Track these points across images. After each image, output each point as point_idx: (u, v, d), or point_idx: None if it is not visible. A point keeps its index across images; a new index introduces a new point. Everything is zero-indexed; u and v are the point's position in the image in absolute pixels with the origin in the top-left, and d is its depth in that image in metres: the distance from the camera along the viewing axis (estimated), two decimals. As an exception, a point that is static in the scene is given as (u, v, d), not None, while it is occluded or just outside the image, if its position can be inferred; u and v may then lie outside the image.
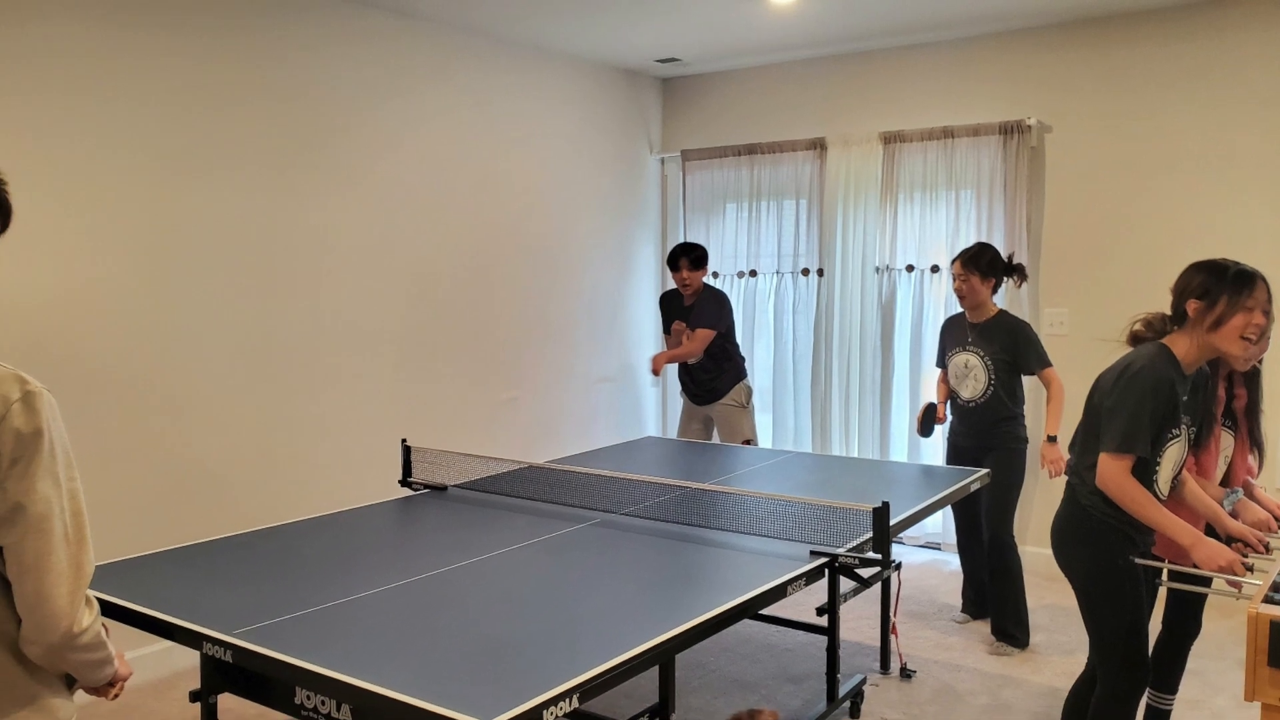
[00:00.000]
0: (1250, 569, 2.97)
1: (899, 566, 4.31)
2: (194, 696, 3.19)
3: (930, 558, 6.58)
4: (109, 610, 2.94)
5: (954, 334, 5.24)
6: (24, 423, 1.73)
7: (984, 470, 4.80)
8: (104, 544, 4.51)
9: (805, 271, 7.03)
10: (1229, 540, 3.27)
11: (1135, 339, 3.25)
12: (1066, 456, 4.92)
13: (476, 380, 6.27)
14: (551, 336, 6.79)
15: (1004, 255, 5.41)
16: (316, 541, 3.60)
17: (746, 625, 5.32)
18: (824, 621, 4.15)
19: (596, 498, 4.24)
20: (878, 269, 6.71)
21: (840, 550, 3.43)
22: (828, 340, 6.96)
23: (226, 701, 4.34)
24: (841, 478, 4.68)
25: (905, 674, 4.70)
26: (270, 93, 5.08)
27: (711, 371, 6.30)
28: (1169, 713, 3.89)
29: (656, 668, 3.06)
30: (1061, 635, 5.20)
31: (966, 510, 5.30)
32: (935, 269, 6.47)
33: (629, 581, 3.13)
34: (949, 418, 5.34)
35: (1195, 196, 5.69)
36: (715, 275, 7.41)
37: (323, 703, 2.56)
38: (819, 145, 6.89)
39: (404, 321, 5.80)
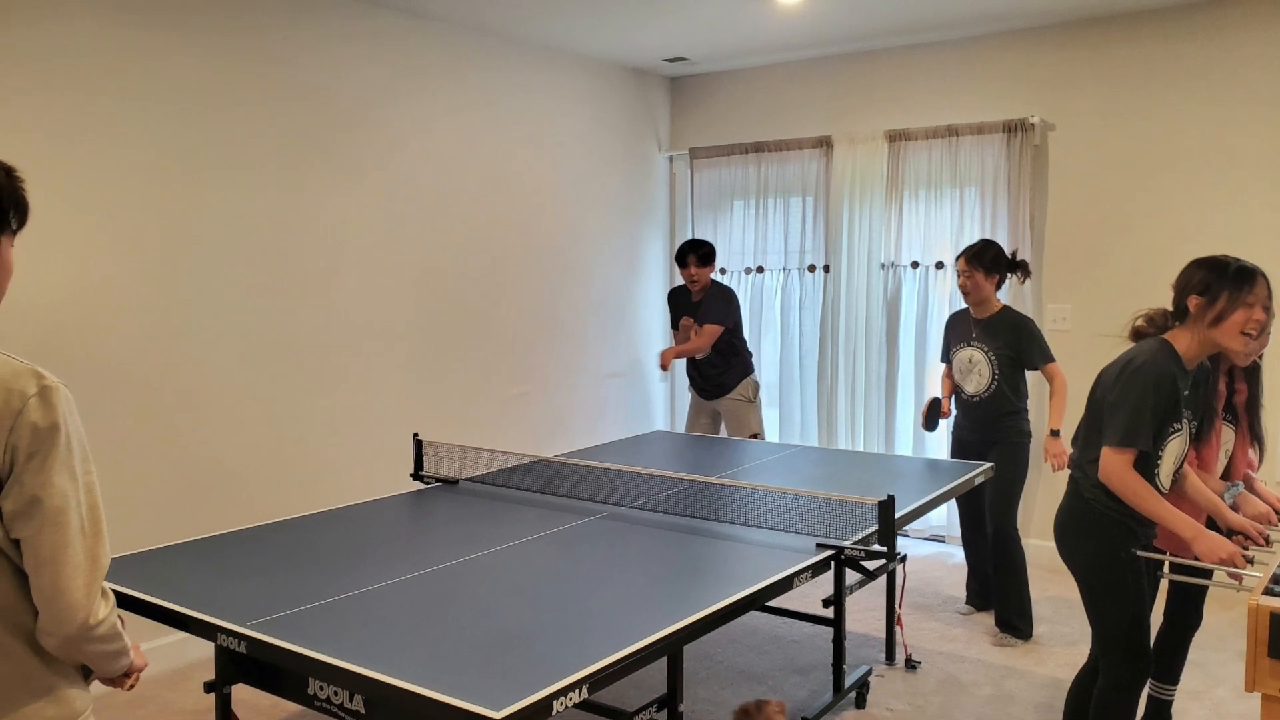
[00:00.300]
0: (1251, 561, 2.96)
1: (904, 559, 4.31)
2: (208, 687, 3.19)
3: (935, 550, 6.56)
4: (125, 602, 2.94)
5: (958, 329, 5.23)
6: (41, 417, 1.73)
7: (988, 464, 4.79)
8: (119, 537, 4.52)
9: (811, 268, 7.02)
10: (1229, 533, 3.26)
11: (1137, 334, 3.24)
12: (1069, 450, 4.92)
13: (487, 375, 6.27)
14: (561, 332, 6.79)
15: (1008, 252, 5.40)
16: (329, 534, 3.60)
17: (753, 617, 5.31)
18: (830, 613, 4.15)
19: (605, 491, 4.24)
20: (883, 265, 6.69)
21: (846, 543, 3.43)
22: (834, 336, 6.95)
23: (240, 692, 4.35)
24: (847, 471, 4.68)
25: (910, 665, 4.69)
26: (281, 92, 5.08)
27: (719, 367, 6.29)
28: (1170, 703, 3.88)
29: (665, 659, 3.06)
30: (1064, 627, 5.19)
31: (971, 503, 5.29)
32: (940, 265, 6.45)
33: (638, 574, 3.13)
34: (953, 412, 5.33)
35: (1196, 194, 5.66)
36: (723, 271, 7.40)
37: (335, 693, 2.56)
38: (825, 143, 6.88)
39: (415, 318, 5.80)
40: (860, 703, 4.28)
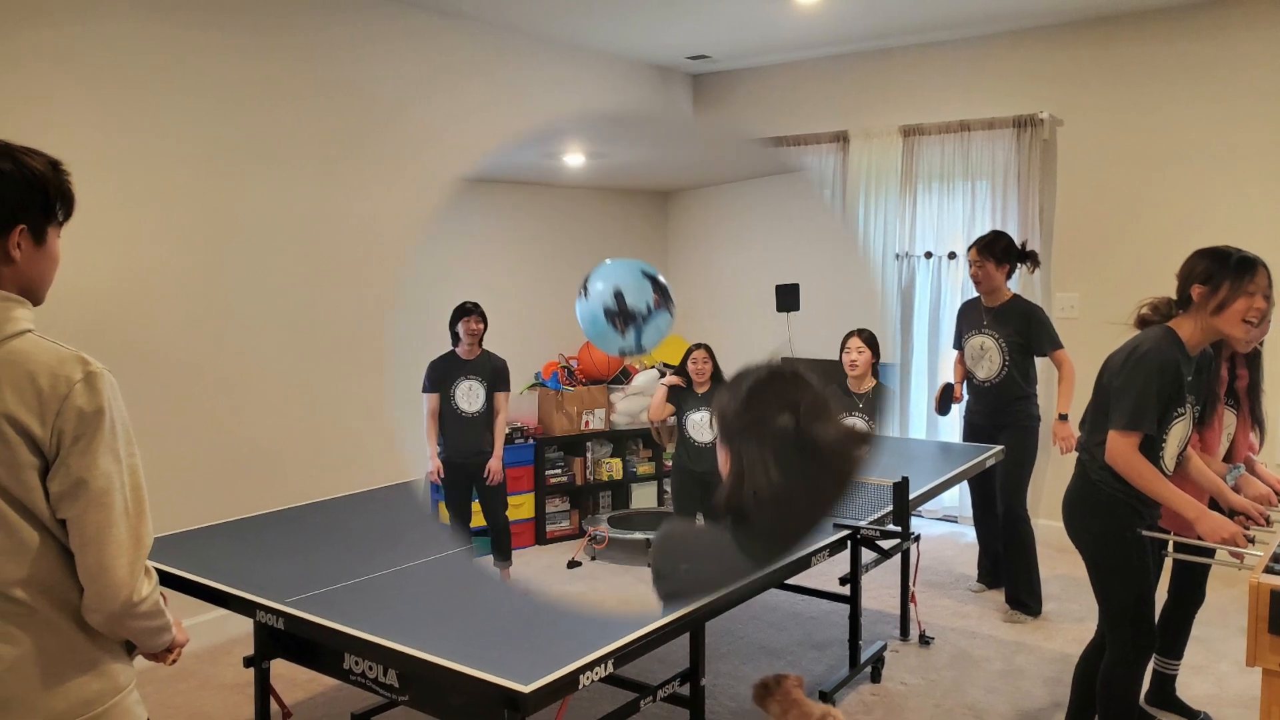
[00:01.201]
0: (1252, 541, 2.93)
1: (918, 538, 4.29)
2: (247, 662, 3.21)
3: (947, 530, 6.53)
4: (167, 580, 2.96)
5: (970, 317, 5.20)
6: (86, 402, 1.73)
7: (999, 447, 4.76)
8: (162, 517, 4.50)
9: (828, 259, 6.99)
10: (1231, 513, 3.22)
11: (1142, 322, 3.21)
12: (1077, 434, 4.87)
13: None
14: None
15: (1018, 243, 5.34)
16: (364, 515, 3.61)
17: (773, 594, 5.30)
18: (847, 591, 4.13)
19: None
20: (897, 256, 6.65)
21: (862, 523, 3.41)
22: (849, 324, 6.92)
23: (278, 667, 4.34)
24: (862, 454, 4.65)
25: (924, 641, 4.68)
26: (320, 88, 5.08)
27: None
28: (1174, 677, 3.86)
29: (687, 635, 3.05)
30: (1072, 604, 5.16)
31: (982, 485, 5.26)
32: (952, 256, 6.41)
33: (658, 553, 3.12)
34: (965, 397, 5.29)
35: (1199, 187, 5.61)
36: (742, 263, 7.38)
37: (370, 668, 2.57)
38: (842, 138, 6.84)
39: (448, 308, 5.80)
40: (875, 677, 4.27)
